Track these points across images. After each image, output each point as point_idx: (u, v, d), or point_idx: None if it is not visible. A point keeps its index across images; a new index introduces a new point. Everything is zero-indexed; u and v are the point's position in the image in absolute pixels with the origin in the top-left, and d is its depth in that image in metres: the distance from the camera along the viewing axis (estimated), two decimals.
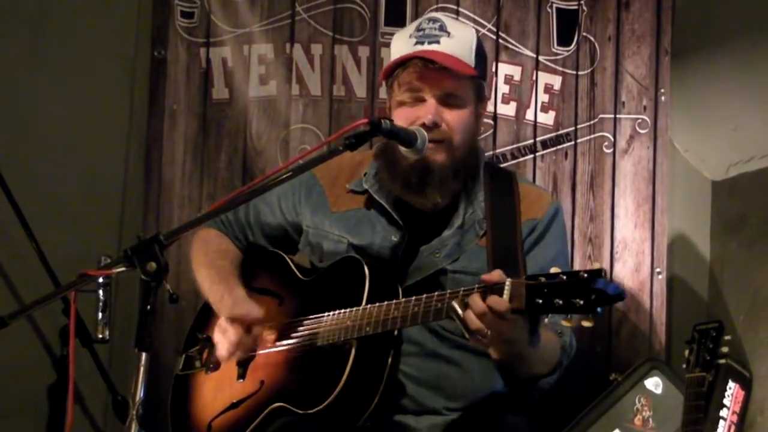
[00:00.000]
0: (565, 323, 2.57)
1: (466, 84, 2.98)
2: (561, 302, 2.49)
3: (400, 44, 3.02)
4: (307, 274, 3.11)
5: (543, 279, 2.54)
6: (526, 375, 2.91)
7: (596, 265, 2.51)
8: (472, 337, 2.63)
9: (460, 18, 3.96)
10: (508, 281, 2.60)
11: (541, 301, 2.52)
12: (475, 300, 2.60)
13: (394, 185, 3.01)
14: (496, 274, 2.63)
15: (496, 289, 2.60)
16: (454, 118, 2.95)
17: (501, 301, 2.57)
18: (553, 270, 2.55)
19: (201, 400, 3.12)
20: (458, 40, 2.97)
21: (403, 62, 2.97)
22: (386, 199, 3.04)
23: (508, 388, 2.98)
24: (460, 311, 2.62)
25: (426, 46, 2.94)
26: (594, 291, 2.46)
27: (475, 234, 3.00)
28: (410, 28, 3.03)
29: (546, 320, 2.67)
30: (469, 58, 2.97)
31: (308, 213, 3.15)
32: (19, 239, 3.82)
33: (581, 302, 2.47)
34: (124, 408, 3.75)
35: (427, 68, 2.92)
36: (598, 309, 2.47)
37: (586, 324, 2.52)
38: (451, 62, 2.92)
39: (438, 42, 2.95)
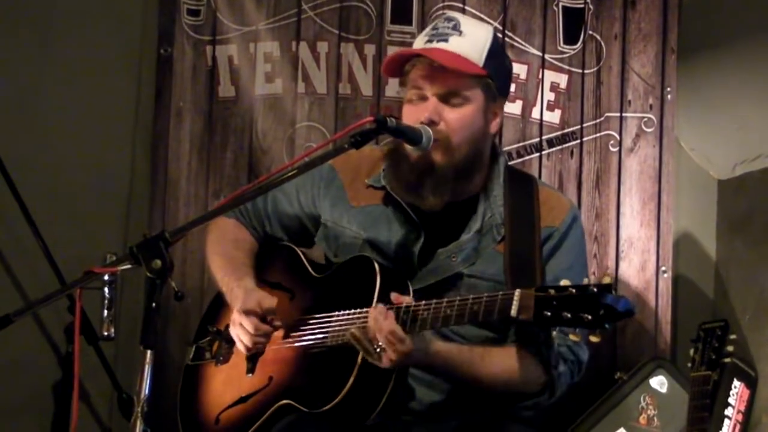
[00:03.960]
0: (572, 337, 2.57)
1: (472, 83, 2.95)
2: (569, 316, 2.49)
3: (416, 43, 3.02)
4: (320, 271, 3.11)
5: (552, 291, 2.54)
6: (492, 392, 2.91)
7: (606, 280, 2.50)
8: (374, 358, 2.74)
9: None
10: (517, 292, 2.60)
11: (549, 313, 2.52)
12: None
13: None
14: (407, 299, 2.75)
15: (506, 299, 2.60)
16: (455, 118, 2.93)
17: (390, 324, 2.70)
18: (563, 282, 2.54)
19: (210, 392, 3.13)
20: (469, 38, 2.94)
21: (411, 60, 2.97)
22: (403, 197, 3.04)
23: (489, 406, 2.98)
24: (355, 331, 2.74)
25: (434, 44, 2.93)
26: (603, 306, 2.46)
27: (492, 239, 2.99)
28: (429, 27, 3.03)
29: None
30: (478, 57, 2.94)
31: (327, 206, 3.15)
32: (25, 236, 3.82)
33: (589, 317, 2.46)
34: (129, 405, 3.74)
35: (431, 67, 2.92)
36: (606, 325, 2.47)
37: (593, 339, 2.51)
38: (452, 61, 2.90)
39: (446, 41, 2.93)
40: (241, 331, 2.98)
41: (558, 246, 3.00)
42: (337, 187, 3.14)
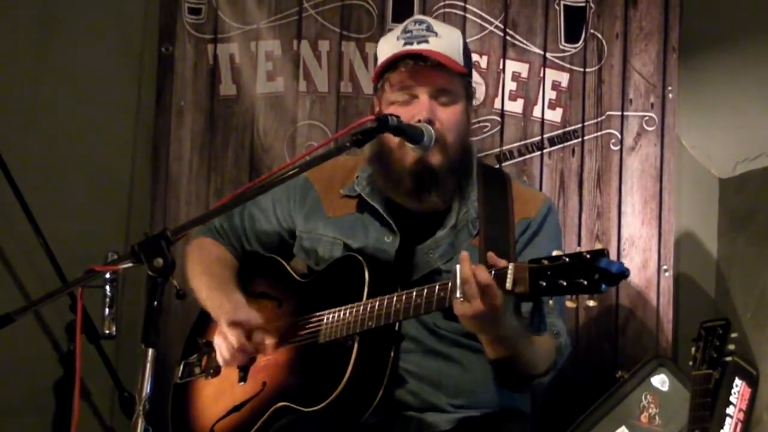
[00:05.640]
0: (569, 304, 2.57)
1: (457, 81, 3.00)
2: (565, 283, 2.49)
3: (388, 47, 3.03)
4: (305, 276, 3.12)
5: (546, 262, 2.54)
6: (521, 374, 2.92)
7: (598, 246, 2.51)
8: (456, 300, 2.61)
9: (467, 15, 3.99)
10: (510, 265, 2.60)
11: (545, 283, 2.52)
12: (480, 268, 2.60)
13: (389, 190, 3.01)
14: (503, 261, 2.63)
15: (500, 272, 2.60)
16: (447, 116, 2.96)
17: (485, 275, 2.57)
18: (556, 253, 2.55)
19: (202, 405, 3.12)
20: (446, 39, 2.99)
21: (392, 64, 2.97)
22: (378, 201, 3.04)
23: (503, 386, 2.98)
24: (457, 269, 2.61)
25: (416, 46, 2.96)
26: (598, 270, 2.46)
27: (468, 234, 3.01)
28: (396, 30, 3.05)
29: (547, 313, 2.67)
30: (458, 56, 3.00)
31: (303, 218, 3.15)
32: (27, 235, 3.82)
33: (585, 282, 2.46)
34: (130, 404, 3.75)
35: (418, 66, 2.94)
36: (603, 286, 2.47)
37: (591, 303, 2.53)
38: (442, 58, 2.94)
39: (427, 41, 2.96)
40: (225, 344, 2.98)
41: (535, 234, 3.04)
42: (313, 199, 3.16)
